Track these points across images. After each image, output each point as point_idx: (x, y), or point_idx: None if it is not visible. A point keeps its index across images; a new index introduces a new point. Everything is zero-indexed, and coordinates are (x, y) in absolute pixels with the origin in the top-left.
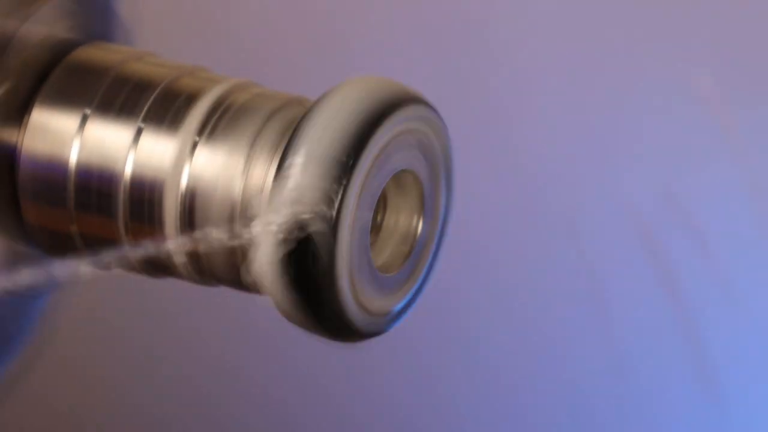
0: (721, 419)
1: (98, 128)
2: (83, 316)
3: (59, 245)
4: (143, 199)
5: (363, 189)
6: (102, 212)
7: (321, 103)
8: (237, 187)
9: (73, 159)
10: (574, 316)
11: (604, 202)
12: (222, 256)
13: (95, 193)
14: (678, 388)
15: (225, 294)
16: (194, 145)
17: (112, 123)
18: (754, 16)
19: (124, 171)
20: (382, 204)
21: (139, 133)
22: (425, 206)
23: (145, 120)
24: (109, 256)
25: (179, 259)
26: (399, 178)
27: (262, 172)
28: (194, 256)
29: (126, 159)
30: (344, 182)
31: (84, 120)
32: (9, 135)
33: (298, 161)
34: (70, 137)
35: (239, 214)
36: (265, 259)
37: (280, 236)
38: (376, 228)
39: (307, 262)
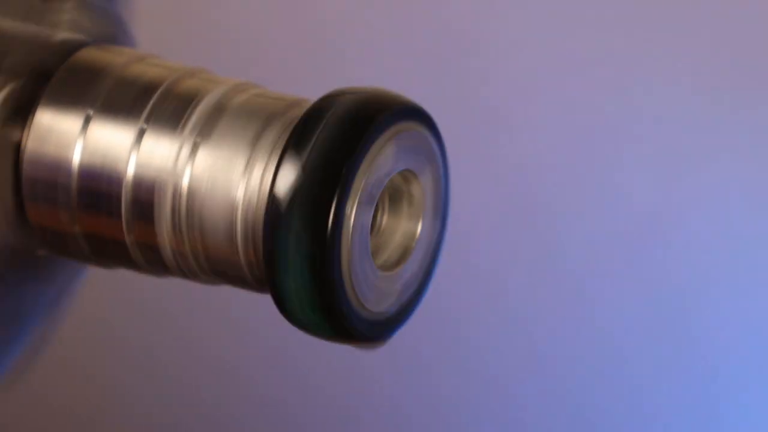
0: (722, 418)
1: (101, 129)
2: (83, 316)
3: (62, 246)
4: (145, 200)
5: (362, 190)
6: (105, 213)
7: (320, 105)
8: (238, 188)
9: (76, 160)
10: (574, 316)
11: (603, 202)
12: (223, 255)
13: (98, 194)
14: (678, 388)
15: (225, 294)
16: (195, 146)
17: (115, 124)
18: (754, 15)
19: (126, 172)
20: (381, 204)
21: (141, 134)
22: (425, 206)
23: (147, 121)
24: (112, 256)
25: (180, 258)
26: (398, 178)
27: (263, 173)
28: (195, 256)
29: (128, 160)
30: (344, 183)
31: (87, 121)
32: (13, 135)
33: (297, 162)
34: (74, 138)
35: (240, 214)
36: (265, 260)
37: (280, 236)
38: (375, 229)
39: (306, 262)
